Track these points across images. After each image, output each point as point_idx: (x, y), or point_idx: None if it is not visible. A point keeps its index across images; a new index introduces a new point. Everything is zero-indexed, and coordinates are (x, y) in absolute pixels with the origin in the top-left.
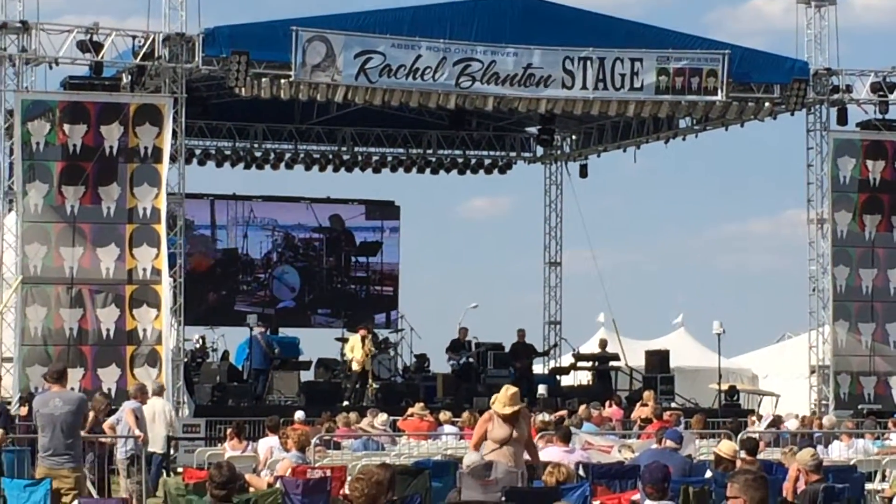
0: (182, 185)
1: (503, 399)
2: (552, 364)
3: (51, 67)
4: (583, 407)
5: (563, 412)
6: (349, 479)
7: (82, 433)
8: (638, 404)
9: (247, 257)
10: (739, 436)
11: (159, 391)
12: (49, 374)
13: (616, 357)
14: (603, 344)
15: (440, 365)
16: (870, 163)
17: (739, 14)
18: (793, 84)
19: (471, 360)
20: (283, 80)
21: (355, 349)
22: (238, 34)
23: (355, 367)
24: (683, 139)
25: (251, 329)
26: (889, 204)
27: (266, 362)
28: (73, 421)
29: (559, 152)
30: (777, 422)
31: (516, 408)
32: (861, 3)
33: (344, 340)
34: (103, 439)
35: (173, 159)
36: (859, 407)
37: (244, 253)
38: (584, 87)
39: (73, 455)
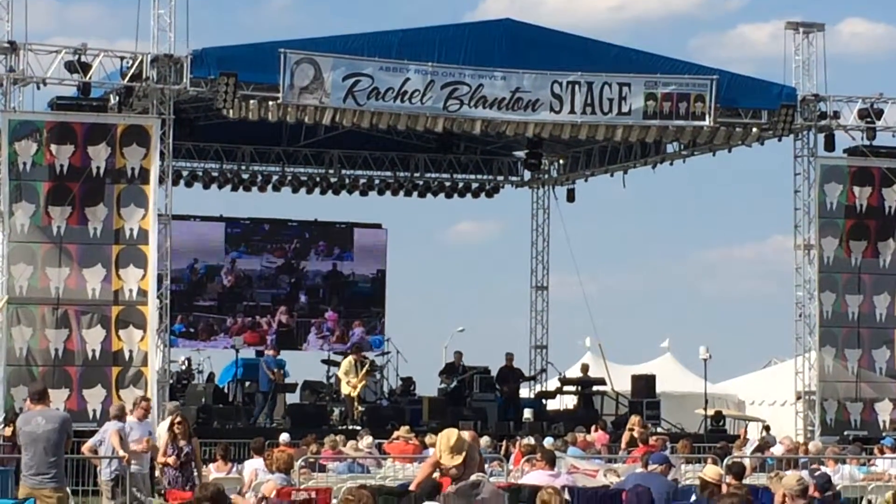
0: (169, 206)
1: (446, 449)
2: (538, 388)
3: (38, 88)
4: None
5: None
6: (334, 501)
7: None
8: (626, 429)
9: (243, 276)
10: (726, 461)
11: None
12: (30, 395)
13: (601, 381)
14: (585, 368)
15: (426, 388)
16: (857, 189)
17: (725, 40)
18: (780, 110)
19: (460, 383)
20: (270, 103)
21: (350, 373)
22: (226, 56)
23: (348, 390)
24: (671, 164)
25: (237, 351)
26: (875, 230)
27: (270, 385)
28: (56, 439)
29: (546, 176)
30: (763, 447)
31: (463, 455)
32: (849, 30)
33: (331, 363)
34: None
35: (160, 180)
36: (845, 433)
37: (240, 274)
38: (572, 111)
39: (55, 474)
